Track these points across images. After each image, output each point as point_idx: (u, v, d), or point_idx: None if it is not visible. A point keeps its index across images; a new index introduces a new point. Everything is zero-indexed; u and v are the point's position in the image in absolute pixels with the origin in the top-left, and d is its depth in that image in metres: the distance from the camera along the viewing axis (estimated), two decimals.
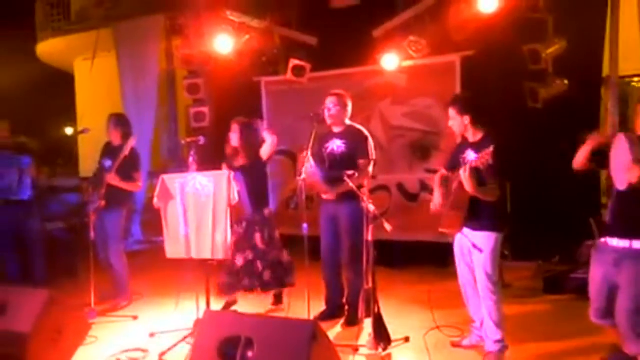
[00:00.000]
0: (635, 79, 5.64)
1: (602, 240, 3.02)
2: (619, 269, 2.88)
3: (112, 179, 4.60)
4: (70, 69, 12.90)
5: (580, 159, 3.07)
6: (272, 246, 4.42)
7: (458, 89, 5.75)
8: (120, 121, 5.03)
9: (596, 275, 3.04)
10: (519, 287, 5.01)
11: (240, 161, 4.46)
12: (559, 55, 5.41)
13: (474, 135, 3.50)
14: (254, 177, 4.47)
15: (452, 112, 3.54)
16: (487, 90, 5.42)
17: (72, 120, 12.12)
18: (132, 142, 4.59)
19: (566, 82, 5.44)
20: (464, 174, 3.21)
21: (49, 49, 12.21)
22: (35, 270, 5.22)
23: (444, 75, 5.92)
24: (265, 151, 4.42)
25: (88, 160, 10.46)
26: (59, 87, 13.76)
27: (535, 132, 5.48)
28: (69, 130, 17.61)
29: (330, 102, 4.18)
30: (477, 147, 3.39)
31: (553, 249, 5.55)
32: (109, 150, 4.92)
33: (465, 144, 3.55)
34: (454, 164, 3.56)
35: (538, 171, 5.56)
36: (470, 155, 3.40)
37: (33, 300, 3.38)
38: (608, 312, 3.02)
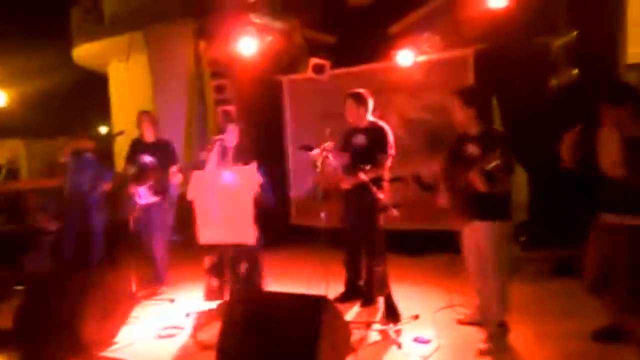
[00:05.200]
0: None
1: None
2: None
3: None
4: (105, 71, 13.48)
5: (565, 157, 3.29)
6: None
7: (471, 81, 5.97)
8: (153, 119, 5.32)
9: None
10: (529, 271, 5.18)
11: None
12: (571, 45, 5.54)
13: (474, 128, 3.66)
14: None
15: (457, 102, 3.66)
16: (500, 82, 5.64)
17: (106, 120, 12.76)
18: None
19: (576, 71, 5.57)
20: (474, 178, 3.35)
21: (84, 53, 12.83)
22: (91, 257, 5.65)
23: (458, 68, 6.15)
24: None
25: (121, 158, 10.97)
26: (94, 88, 14.40)
27: (549, 123, 5.62)
28: (103, 129, 18.31)
29: (348, 104, 4.49)
30: (478, 140, 3.57)
31: (569, 236, 5.70)
32: (144, 147, 5.17)
33: (465, 138, 3.69)
34: (455, 157, 3.71)
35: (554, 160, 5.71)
36: (471, 148, 3.58)
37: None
38: None
